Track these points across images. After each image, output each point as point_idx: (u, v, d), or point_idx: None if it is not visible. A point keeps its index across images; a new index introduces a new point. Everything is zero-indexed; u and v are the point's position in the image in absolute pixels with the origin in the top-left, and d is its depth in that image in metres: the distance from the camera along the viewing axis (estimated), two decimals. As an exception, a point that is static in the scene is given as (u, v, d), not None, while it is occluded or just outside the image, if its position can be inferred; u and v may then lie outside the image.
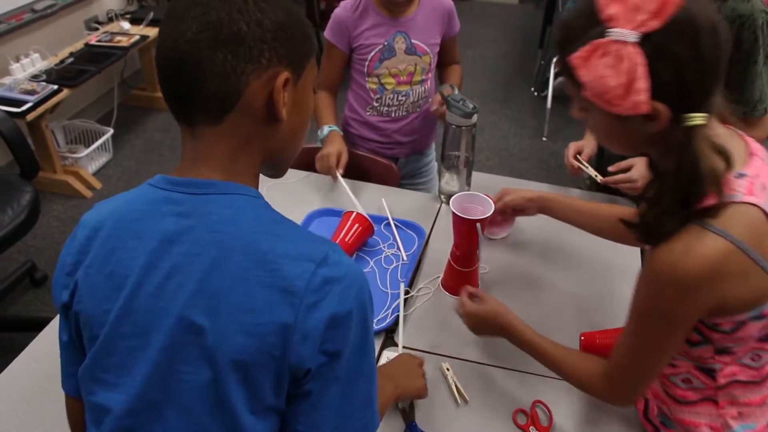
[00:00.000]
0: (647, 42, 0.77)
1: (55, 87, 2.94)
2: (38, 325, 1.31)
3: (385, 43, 1.78)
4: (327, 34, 1.81)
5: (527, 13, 5.76)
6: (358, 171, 1.83)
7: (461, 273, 1.37)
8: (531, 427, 1.12)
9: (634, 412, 1.13)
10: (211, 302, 0.70)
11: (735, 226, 0.81)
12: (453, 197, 1.35)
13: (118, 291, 0.74)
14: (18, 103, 2.78)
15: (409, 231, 1.59)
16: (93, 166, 3.33)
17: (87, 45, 3.38)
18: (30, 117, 2.78)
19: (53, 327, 1.31)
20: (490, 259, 1.50)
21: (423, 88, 1.87)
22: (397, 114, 1.88)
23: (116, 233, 0.76)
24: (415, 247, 1.54)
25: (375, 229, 1.55)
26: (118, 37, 3.47)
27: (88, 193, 3.16)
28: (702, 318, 0.89)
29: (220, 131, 0.75)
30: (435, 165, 2.10)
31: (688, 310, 0.86)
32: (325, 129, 1.79)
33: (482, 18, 5.59)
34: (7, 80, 2.97)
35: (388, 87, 1.83)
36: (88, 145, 3.29)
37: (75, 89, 3.04)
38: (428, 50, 1.82)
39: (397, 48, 1.79)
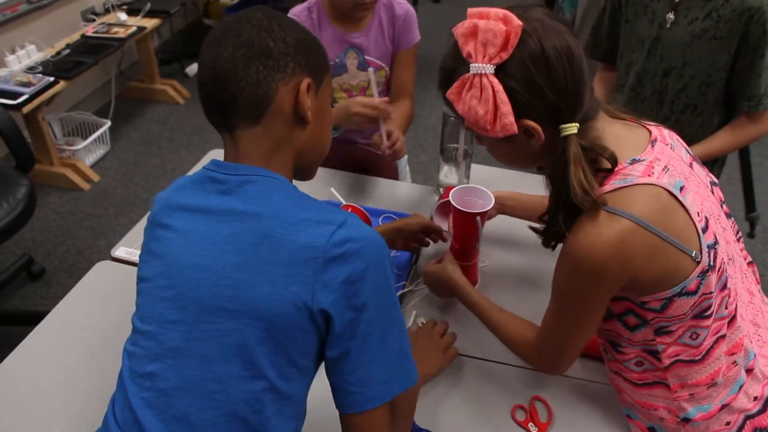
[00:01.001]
0: (502, 71, 0.88)
1: (52, 79, 2.91)
2: (35, 319, 1.31)
3: (337, 60, 1.70)
4: None
5: (529, 3, 5.73)
6: (356, 164, 1.81)
7: (461, 267, 1.35)
8: (530, 423, 1.12)
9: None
10: (240, 258, 0.80)
11: (634, 206, 0.88)
12: (452, 190, 1.33)
13: (161, 249, 0.87)
14: (14, 95, 2.76)
15: (407, 224, 1.58)
16: (90, 159, 3.31)
17: (83, 36, 3.36)
18: (26, 109, 2.75)
19: (50, 321, 1.30)
20: (489, 252, 1.49)
21: (378, 100, 1.80)
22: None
23: (168, 205, 0.90)
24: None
25: (372, 222, 1.53)
26: (115, 29, 3.44)
27: (85, 186, 3.14)
28: (618, 294, 0.96)
29: (257, 133, 0.86)
30: (405, 158, 2.02)
31: (600, 289, 0.94)
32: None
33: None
34: (2, 72, 2.94)
35: (340, 101, 1.72)
36: (86, 138, 3.27)
37: (72, 81, 3.01)
38: (383, 65, 1.73)
39: (349, 64, 1.72)
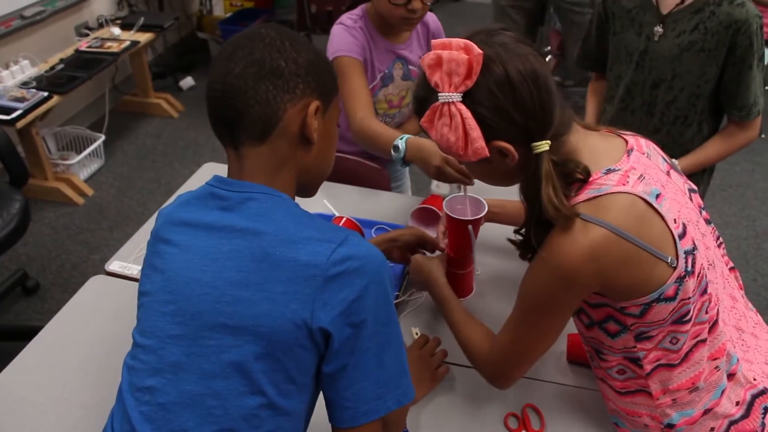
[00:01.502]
0: (468, 98, 0.91)
1: (46, 94, 2.92)
2: (30, 335, 1.31)
3: (386, 71, 1.74)
4: (344, 50, 1.63)
5: (518, 14, 5.78)
6: (347, 175, 1.83)
7: (456, 275, 1.36)
8: (522, 431, 1.12)
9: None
10: (241, 275, 0.80)
11: (609, 214, 0.90)
12: (446, 199, 1.34)
13: (163, 264, 0.87)
14: (7, 110, 2.77)
15: (399, 235, 1.59)
16: (85, 173, 3.32)
17: (77, 51, 3.37)
18: (20, 124, 2.76)
19: (44, 335, 1.30)
20: (483, 260, 1.49)
21: (409, 109, 1.85)
22: None
23: (171, 221, 0.91)
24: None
25: (365, 234, 1.54)
26: (109, 43, 3.46)
27: (79, 200, 3.15)
28: (597, 301, 0.98)
29: (262, 151, 0.87)
30: (407, 169, 2.07)
31: (568, 295, 0.96)
32: (398, 142, 1.49)
33: (474, 19, 5.60)
34: (-4, 88, 2.96)
35: (380, 111, 1.80)
36: (80, 152, 3.28)
37: (66, 96, 3.02)
38: None
39: (396, 75, 1.76)
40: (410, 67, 1.77)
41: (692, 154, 1.70)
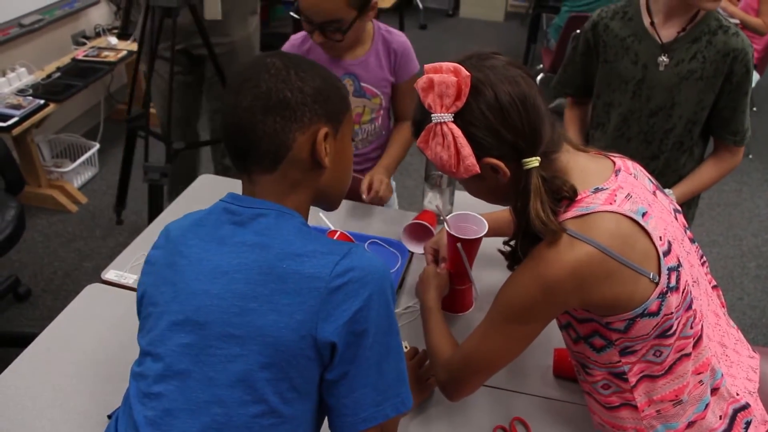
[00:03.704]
0: (459, 118, 0.95)
1: (42, 101, 2.94)
2: (21, 341, 1.32)
3: None
4: None
5: (512, 31, 5.84)
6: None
7: (454, 290, 1.39)
8: (510, 444, 1.15)
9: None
10: (249, 288, 0.83)
11: (594, 232, 0.94)
12: (449, 216, 1.37)
13: (174, 275, 0.89)
14: (4, 117, 2.78)
15: (391, 249, 1.62)
16: (79, 181, 3.33)
17: (74, 60, 3.39)
18: (16, 131, 2.78)
19: (39, 343, 1.31)
20: (481, 276, 1.51)
21: (373, 126, 1.84)
22: None
23: (182, 232, 0.93)
24: (398, 266, 1.56)
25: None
26: (105, 52, 3.48)
27: (73, 208, 3.15)
28: (583, 316, 1.02)
29: (274, 178, 0.90)
30: (394, 185, 2.06)
31: (546, 308, 0.99)
32: None
33: (467, 35, 5.66)
34: (-7, 94, 2.97)
35: None
36: (74, 160, 3.29)
37: (61, 104, 3.04)
38: (378, 92, 1.78)
39: None
40: (362, 84, 1.76)
41: (687, 182, 1.73)
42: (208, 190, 1.86)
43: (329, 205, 1.04)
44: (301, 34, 1.75)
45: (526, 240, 1.00)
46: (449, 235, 1.33)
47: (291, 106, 0.88)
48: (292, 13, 1.68)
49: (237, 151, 0.91)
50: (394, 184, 2.04)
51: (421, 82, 0.97)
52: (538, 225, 0.94)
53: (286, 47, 1.78)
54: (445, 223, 1.34)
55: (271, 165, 0.90)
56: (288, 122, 0.88)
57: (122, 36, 3.61)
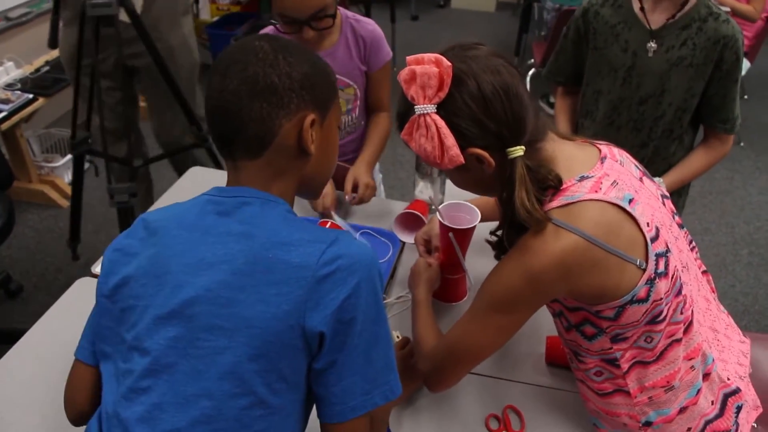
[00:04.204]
0: (442, 109, 0.96)
1: (30, 96, 2.92)
2: (13, 337, 1.31)
3: None
4: None
5: (503, 21, 5.83)
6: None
7: (448, 280, 1.39)
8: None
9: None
10: (235, 278, 0.82)
11: (581, 221, 0.94)
12: (441, 206, 1.37)
13: (157, 268, 0.86)
14: (-8, 112, 2.77)
15: (382, 239, 1.61)
16: (69, 176, 3.31)
17: (62, 53, 3.36)
18: (5, 126, 2.76)
19: (29, 338, 1.31)
20: (474, 264, 1.51)
21: (350, 117, 1.81)
22: None
23: (165, 224, 0.90)
24: (389, 255, 1.56)
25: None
26: (94, 46, 3.45)
27: (64, 203, 3.14)
28: (573, 305, 1.02)
29: (258, 165, 0.89)
30: (380, 177, 2.07)
31: (532, 298, 1.00)
32: None
33: (459, 26, 5.65)
34: (-19, 89, 2.95)
35: None
36: (64, 154, 3.27)
37: (50, 98, 3.02)
38: (351, 82, 1.74)
39: None
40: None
41: (677, 170, 1.73)
42: (199, 182, 1.85)
43: (312, 194, 1.03)
44: (271, 29, 1.69)
45: (512, 230, 1.00)
46: (441, 225, 1.32)
47: (278, 92, 0.86)
48: (272, 21, 1.62)
49: (221, 136, 0.89)
50: (380, 177, 2.04)
51: (404, 74, 0.97)
52: (523, 214, 0.94)
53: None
54: (437, 213, 1.33)
55: (257, 151, 0.88)
56: (274, 108, 0.86)
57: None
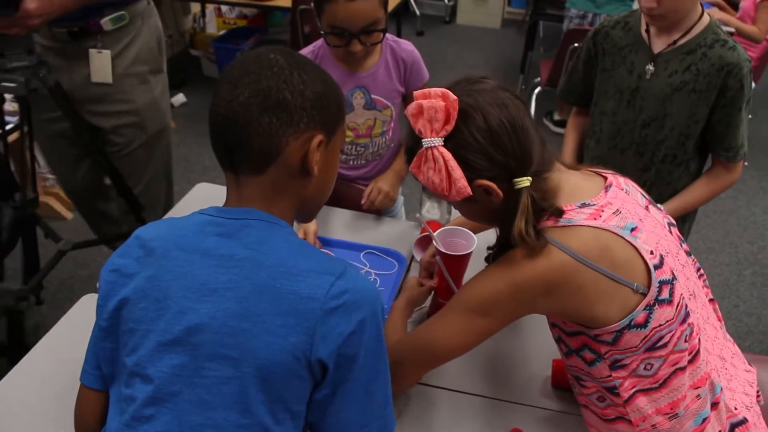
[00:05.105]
0: (449, 142, 0.97)
1: (38, 108, 2.92)
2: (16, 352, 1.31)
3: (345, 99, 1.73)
4: None
5: (509, 38, 5.85)
6: (334, 196, 1.83)
7: (440, 304, 1.38)
8: (508, 456, 1.14)
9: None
10: (241, 307, 0.81)
11: (573, 241, 0.95)
12: (437, 232, 1.36)
13: (157, 291, 0.84)
14: (-1, 124, 2.77)
15: (389, 258, 1.61)
16: (74, 187, 3.31)
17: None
18: (11, 138, 2.76)
19: (36, 353, 1.30)
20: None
21: (384, 139, 1.83)
22: (356, 162, 1.85)
23: (163, 245, 0.87)
24: (395, 271, 1.56)
25: (354, 257, 1.57)
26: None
27: (68, 215, 3.14)
28: (573, 329, 1.02)
29: (261, 181, 0.88)
30: (402, 199, 2.06)
31: (510, 307, 1.01)
32: None
33: (465, 42, 5.67)
34: (-12, 101, 2.95)
35: (347, 140, 1.78)
36: (70, 166, 3.28)
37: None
38: (389, 104, 1.77)
39: (356, 103, 1.74)
40: (373, 96, 1.74)
41: (679, 198, 1.73)
42: (206, 199, 1.85)
43: (307, 216, 1.02)
44: (308, 50, 1.73)
45: (505, 248, 1.01)
46: (436, 249, 1.33)
47: (289, 108, 0.85)
48: (322, 33, 1.61)
49: (224, 147, 0.88)
50: (401, 198, 2.04)
51: (411, 108, 0.99)
52: (518, 240, 0.95)
53: None
54: (434, 240, 1.34)
55: (260, 167, 0.87)
56: (283, 125, 0.85)
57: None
